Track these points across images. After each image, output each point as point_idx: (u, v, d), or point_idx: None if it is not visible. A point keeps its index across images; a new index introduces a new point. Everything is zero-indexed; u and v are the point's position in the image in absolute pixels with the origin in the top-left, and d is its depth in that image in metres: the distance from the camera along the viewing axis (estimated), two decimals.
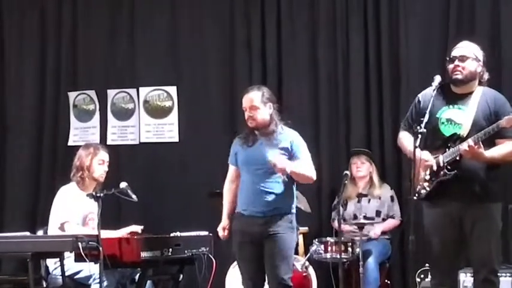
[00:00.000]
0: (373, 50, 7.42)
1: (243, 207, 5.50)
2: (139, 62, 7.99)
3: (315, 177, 5.57)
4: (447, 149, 4.95)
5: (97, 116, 8.07)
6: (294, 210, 5.53)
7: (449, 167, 4.92)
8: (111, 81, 8.07)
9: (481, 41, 6.89)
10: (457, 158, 4.90)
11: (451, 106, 5.02)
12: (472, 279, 5.27)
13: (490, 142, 4.88)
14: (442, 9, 7.30)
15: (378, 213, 7.00)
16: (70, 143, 8.04)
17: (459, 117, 4.98)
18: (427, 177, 4.97)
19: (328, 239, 6.70)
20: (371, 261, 6.66)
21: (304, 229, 6.91)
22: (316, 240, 6.78)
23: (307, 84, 7.63)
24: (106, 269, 5.29)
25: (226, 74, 7.83)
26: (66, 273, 5.71)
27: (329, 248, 6.65)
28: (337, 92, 7.54)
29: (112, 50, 8.07)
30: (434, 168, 4.94)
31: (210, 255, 5.87)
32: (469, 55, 5.03)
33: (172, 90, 7.93)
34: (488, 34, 7.13)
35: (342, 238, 6.53)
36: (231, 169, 5.67)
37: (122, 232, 5.90)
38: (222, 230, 5.59)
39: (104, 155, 6.20)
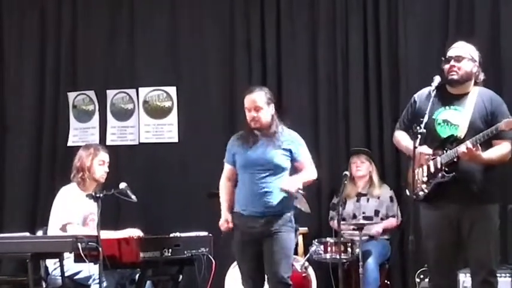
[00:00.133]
0: (373, 50, 7.42)
1: (242, 207, 5.50)
2: (138, 62, 7.99)
3: (316, 175, 5.62)
4: (444, 151, 4.95)
5: (96, 116, 8.07)
6: (293, 210, 5.53)
7: (446, 169, 4.92)
8: (111, 82, 8.08)
9: (481, 41, 6.93)
10: (455, 160, 4.90)
11: (447, 107, 5.02)
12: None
13: (486, 143, 4.89)
14: (442, 9, 7.30)
15: (377, 212, 7.00)
16: (69, 143, 8.04)
17: (455, 118, 4.98)
18: (425, 179, 4.97)
19: (328, 239, 6.71)
20: (371, 261, 6.66)
21: (304, 229, 6.91)
22: (316, 240, 6.78)
23: (307, 84, 7.63)
24: (105, 270, 5.29)
25: (225, 74, 7.83)
26: (66, 274, 5.71)
27: (329, 249, 6.66)
28: (337, 92, 7.54)
29: (111, 50, 8.07)
30: (432, 170, 4.95)
31: (209, 255, 5.87)
32: (464, 55, 5.03)
33: (172, 90, 7.92)
34: (487, 34, 7.13)
35: (342, 239, 6.53)
36: (227, 168, 5.66)
37: (120, 234, 5.87)
38: (225, 223, 5.55)
39: (104, 156, 6.20)
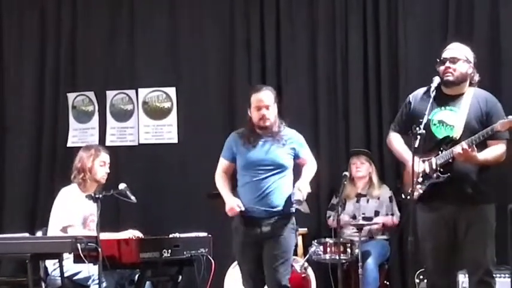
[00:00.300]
0: (372, 50, 7.42)
1: (246, 208, 5.47)
2: (138, 63, 7.99)
3: (316, 167, 5.65)
4: (440, 152, 4.95)
5: (96, 117, 8.07)
6: (294, 210, 5.53)
7: (442, 170, 4.93)
8: (110, 82, 8.08)
9: (480, 42, 6.97)
10: (450, 161, 4.91)
11: (442, 108, 5.03)
12: None
13: (481, 143, 4.90)
14: (441, 10, 7.30)
15: (377, 213, 7.01)
16: (69, 144, 8.04)
17: (451, 119, 5.00)
18: (420, 179, 4.98)
19: (327, 240, 6.71)
20: (370, 262, 6.67)
21: (303, 230, 6.92)
22: (315, 241, 6.78)
23: (306, 85, 7.63)
24: (105, 270, 5.28)
25: (225, 74, 7.83)
26: (65, 274, 5.71)
27: (328, 249, 6.66)
28: (336, 92, 7.54)
29: (111, 51, 8.07)
30: (427, 170, 4.96)
31: (209, 256, 5.87)
32: (460, 57, 5.05)
33: (172, 91, 7.92)
34: (487, 34, 7.14)
35: (341, 239, 6.53)
36: (224, 163, 5.62)
37: (125, 234, 5.86)
38: (237, 207, 5.41)
39: (105, 157, 6.20)
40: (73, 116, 8.12)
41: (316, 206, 7.28)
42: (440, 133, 5.01)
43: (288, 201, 5.43)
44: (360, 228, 6.67)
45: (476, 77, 5.12)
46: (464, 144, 4.83)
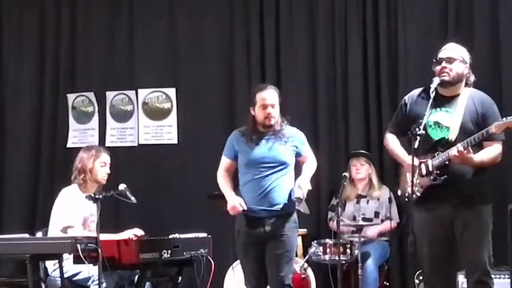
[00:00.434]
0: (372, 51, 7.41)
1: (249, 207, 5.47)
2: (138, 63, 8.00)
3: (316, 164, 5.68)
4: (436, 154, 4.95)
5: (96, 117, 8.07)
6: (295, 208, 5.55)
7: (438, 172, 4.93)
8: (110, 83, 8.07)
9: (480, 42, 6.96)
10: (446, 163, 4.91)
11: (438, 109, 5.02)
12: None
13: (477, 144, 4.89)
14: (441, 10, 7.30)
15: (377, 214, 7.01)
16: (69, 144, 8.05)
17: (446, 120, 4.99)
18: (416, 181, 4.97)
19: (327, 240, 6.71)
20: (370, 263, 6.67)
21: (303, 231, 6.91)
22: (315, 242, 6.78)
23: (306, 86, 7.63)
24: (105, 271, 5.28)
25: (225, 75, 7.83)
26: (65, 275, 5.71)
27: (328, 250, 6.66)
28: (336, 94, 7.54)
29: (111, 51, 8.07)
30: (424, 172, 4.96)
31: (208, 257, 5.87)
32: (456, 57, 5.04)
33: (171, 92, 7.93)
34: (487, 34, 7.14)
35: (341, 240, 6.53)
36: (226, 161, 5.62)
37: (125, 235, 5.85)
38: (239, 205, 5.41)
39: (105, 157, 6.20)
40: (73, 117, 8.12)
41: (316, 207, 7.28)
42: (436, 135, 5.01)
43: (289, 199, 5.43)
44: (359, 228, 6.66)
45: (472, 78, 5.11)
46: (460, 146, 4.83)
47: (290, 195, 5.42)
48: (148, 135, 7.97)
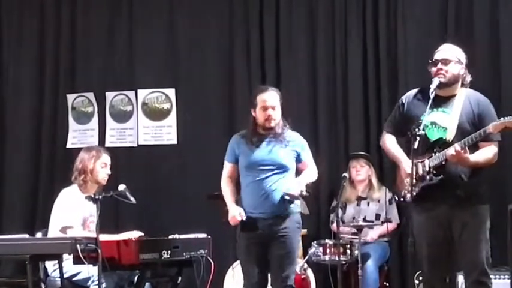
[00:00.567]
0: (372, 52, 7.42)
1: (250, 209, 5.46)
2: (137, 63, 7.99)
3: (317, 175, 5.65)
4: (433, 154, 4.95)
5: (95, 118, 8.07)
6: (298, 209, 5.54)
7: (435, 172, 4.93)
8: (110, 84, 8.07)
9: (480, 42, 6.96)
10: (443, 163, 4.91)
11: (435, 109, 5.02)
12: None
13: (473, 145, 4.90)
14: (441, 10, 7.30)
15: (378, 216, 7.00)
16: (68, 145, 8.04)
17: (443, 121, 5.00)
18: (413, 181, 4.97)
19: (327, 241, 6.71)
20: (370, 263, 6.66)
21: (303, 231, 6.89)
22: (315, 242, 6.78)
23: (306, 86, 7.63)
24: (105, 271, 5.27)
25: (225, 75, 7.83)
26: (65, 276, 5.71)
27: (328, 250, 6.66)
28: (335, 95, 7.54)
29: (111, 51, 8.07)
30: (420, 172, 4.96)
31: (208, 257, 5.87)
32: (451, 58, 5.05)
33: (171, 92, 7.92)
34: (487, 34, 7.14)
35: (341, 240, 6.53)
36: (229, 166, 5.62)
37: (124, 236, 5.85)
38: (239, 216, 5.42)
39: (106, 158, 6.20)
40: (72, 117, 8.12)
41: (315, 208, 7.28)
42: (433, 135, 5.01)
43: (290, 200, 5.42)
44: (359, 229, 6.65)
45: (468, 78, 5.12)
46: (457, 146, 4.83)
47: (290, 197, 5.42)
48: (148, 135, 7.96)
